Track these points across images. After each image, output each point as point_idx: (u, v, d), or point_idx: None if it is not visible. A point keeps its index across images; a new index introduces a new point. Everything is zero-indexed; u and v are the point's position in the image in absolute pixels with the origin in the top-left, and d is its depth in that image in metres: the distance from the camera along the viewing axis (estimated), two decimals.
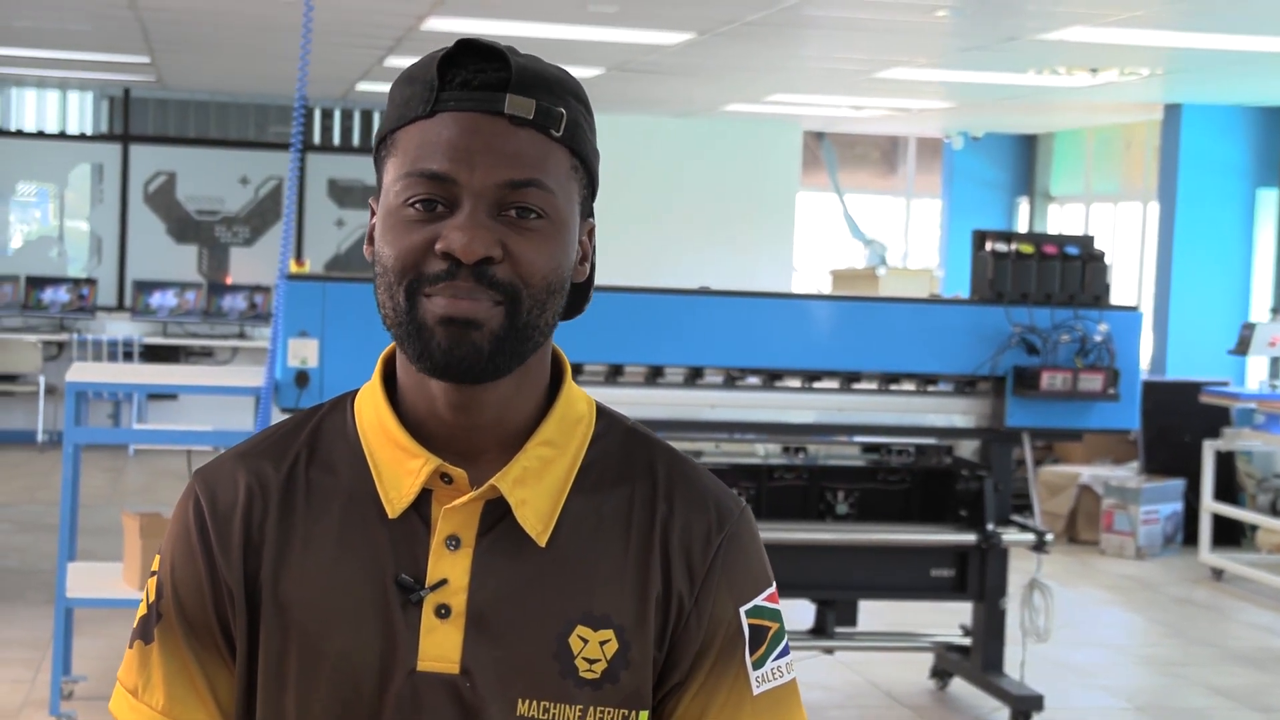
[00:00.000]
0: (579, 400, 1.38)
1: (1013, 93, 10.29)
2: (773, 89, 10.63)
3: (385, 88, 11.65)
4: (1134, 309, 6.12)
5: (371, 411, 1.35)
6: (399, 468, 1.31)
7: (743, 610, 1.34)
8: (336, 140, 12.68)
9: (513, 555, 1.29)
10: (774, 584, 1.38)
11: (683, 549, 1.33)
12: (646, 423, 5.52)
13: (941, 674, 6.27)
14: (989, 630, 5.90)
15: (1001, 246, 5.87)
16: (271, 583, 1.31)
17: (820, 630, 6.15)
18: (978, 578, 5.83)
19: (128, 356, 11.55)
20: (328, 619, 1.29)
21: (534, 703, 1.28)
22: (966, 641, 6.07)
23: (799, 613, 6.64)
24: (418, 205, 1.27)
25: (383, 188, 1.31)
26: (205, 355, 11.95)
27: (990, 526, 5.73)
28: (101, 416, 11.47)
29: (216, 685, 1.34)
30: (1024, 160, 13.64)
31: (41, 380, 11.61)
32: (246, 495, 1.34)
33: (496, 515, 1.30)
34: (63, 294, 11.84)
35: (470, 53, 1.28)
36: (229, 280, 12.19)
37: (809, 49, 8.70)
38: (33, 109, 12.33)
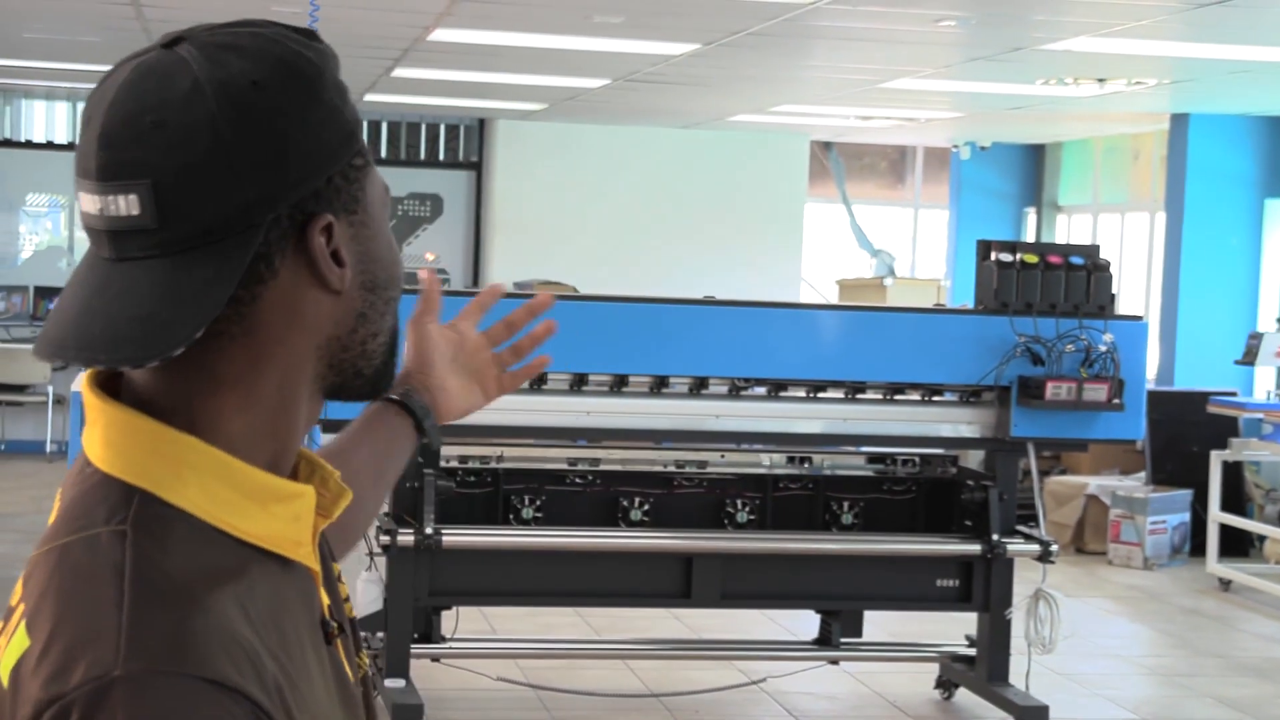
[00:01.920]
0: None
1: (1020, 103, 10.29)
2: (779, 99, 10.64)
3: (395, 98, 11.76)
4: (1139, 319, 6.13)
5: (208, 484, 1.08)
6: (280, 519, 1.12)
7: None
8: None
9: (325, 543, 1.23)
10: None
11: None
12: (651, 434, 5.50)
13: (946, 684, 6.26)
14: (994, 640, 5.89)
15: (1006, 256, 5.87)
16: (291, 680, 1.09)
17: (825, 640, 6.16)
18: (983, 588, 5.83)
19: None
20: (323, 693, 1.14)
21: (359, 666, 1.24)
22: (972, 652, 6.06)
23: (804, 623, 6.63)
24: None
25: (363, 197, 1.14)
26: None
27: (995, 537, 5.73)
28: None
29: None
30: (1031, 170, 13.64)
31: (50, 391, 11.64)
32: (248, 653, 1.05)
33: None
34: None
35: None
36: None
37: (815, 59, 8.71)
38: (42, 120, 12.37)
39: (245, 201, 1.06)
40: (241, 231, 1.06)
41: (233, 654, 1.02)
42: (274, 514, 1.11)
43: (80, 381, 1.12)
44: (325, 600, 1.19)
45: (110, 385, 1.12)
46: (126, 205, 1.07)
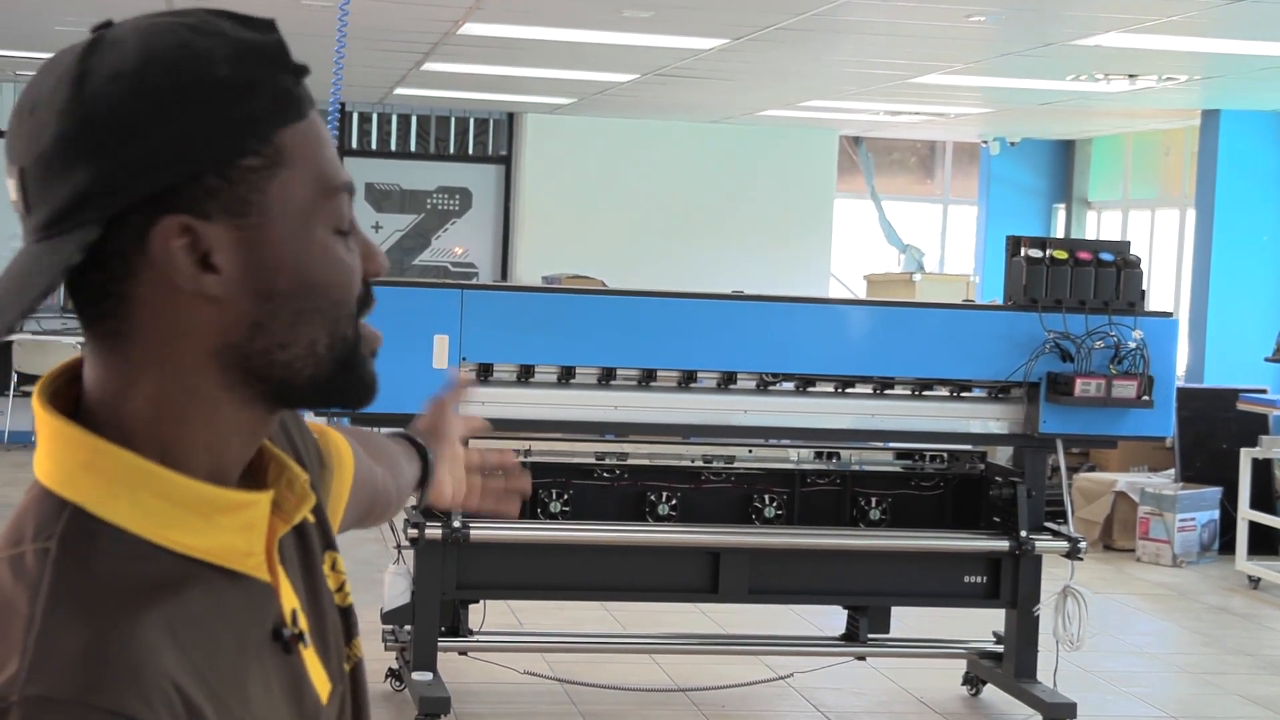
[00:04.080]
0: None
1: (1050, 98, 10.26)
2: (809, 94, 10.62)
3: (423, 92, 11.78)
4: (1169, 315, 6.10)
5: (140, 497, 1.06)
6: (227, 530, 1.09)
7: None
8: (374, 145, 12.73)
9: (293, 548, 1.20)
10: None
11: (304, 443, 1.30)
12: (679, 429, 5.50)
13: (974, 681, 6.25)
14: (1022, 637, 5.88)
15: (1036, 252, 5.85)
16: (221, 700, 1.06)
17: (853, 636, 6.15)
18: (1011, 584, 5.81)
19: None
20: (275, 699, 1.12)
21: (349, 656, 1.23)
22: (999, 648, 6.05)
23: (832, 619, 6.63)
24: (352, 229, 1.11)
25: (259, 200, 1.06)
26: None
27: (1024, 533, 5.71)
28: None
29: None
30: (1061, 166, 13.59)
31: None
32: (159, 677, 1.01)
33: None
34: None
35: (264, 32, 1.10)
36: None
37: (845, 54, 8.69)
38: None
39: (78, 193, 1.03)
40: (78, 224, 1.03)
41: (140, 683, 0.98)
42: (220, 525, 1.08)
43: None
44: (291, 604, 1.15)
45: (71, 398, 1.10)
46: (12, 190, 1.08)
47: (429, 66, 9.79)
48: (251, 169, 1.05)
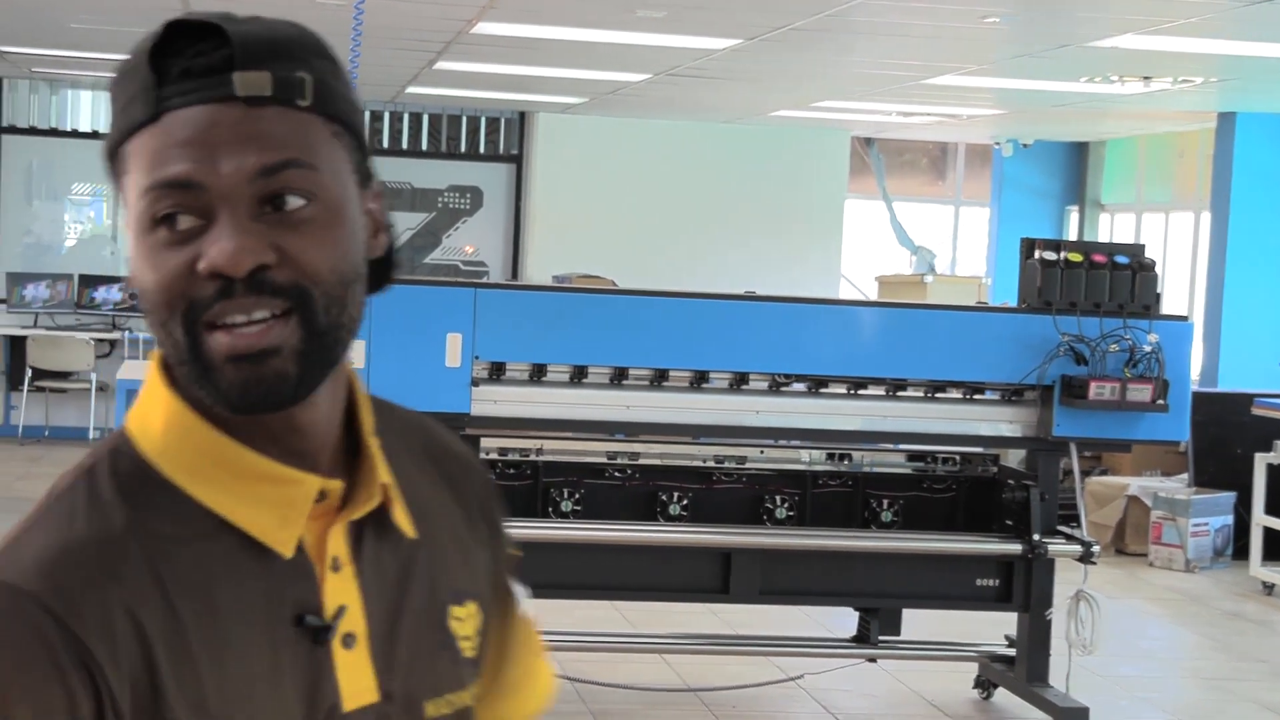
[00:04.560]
0: (357, 382, 1.25)
1: (1064, 100, 10.23)
2: (820, 95, 10.60)
3: (436, 91, 11.79)
4: (1184, 319, 6.09)
5: (186, 448, 1.13)
6: (268, 503, 1.13)
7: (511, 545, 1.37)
8: (385, 143, 12.72)
9: (386, 557, 1.20)
10: None
11: (481, 506, 1.31)
12: (690, 429, 5.49)
13: (985, 684, 6.23)
14: (1034, 641, 5.86)
15: (1050, 255, 5.83)
16: (170, 681, 1.08)
17: (864, 638, 6.13)
18: (1023, 588, 5.79)
19: None
20: (245, 694, 1.12)
21: (440, 700, 1.22)
22: (1011, 652, 6.03)
23: (843, 620, 6.61)
24: (166, 223, 1.08)
25: (129, 208, 1.12)
26: None
27: (1036, 537, 5.69)
28: None
29: None
30: (1074, 168, 13.56)
31: (93, 378, 11.72)
32: (98, 591, 1.06)
33: (357, 522, 1.19)
34: (114, 293, 11.95)
35: (183, 35, 1.09)
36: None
37: (857, 55, 8.67)
38: (88, 110, 12.44)
39: None
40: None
41: (86, 592, 1.06)
42: (256, 494, 1.13)
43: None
44: (342, 601, 1.16)
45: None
46: None
47: (441, 65, 9.78)
48: (117, 176, 1.13)
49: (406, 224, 12.70)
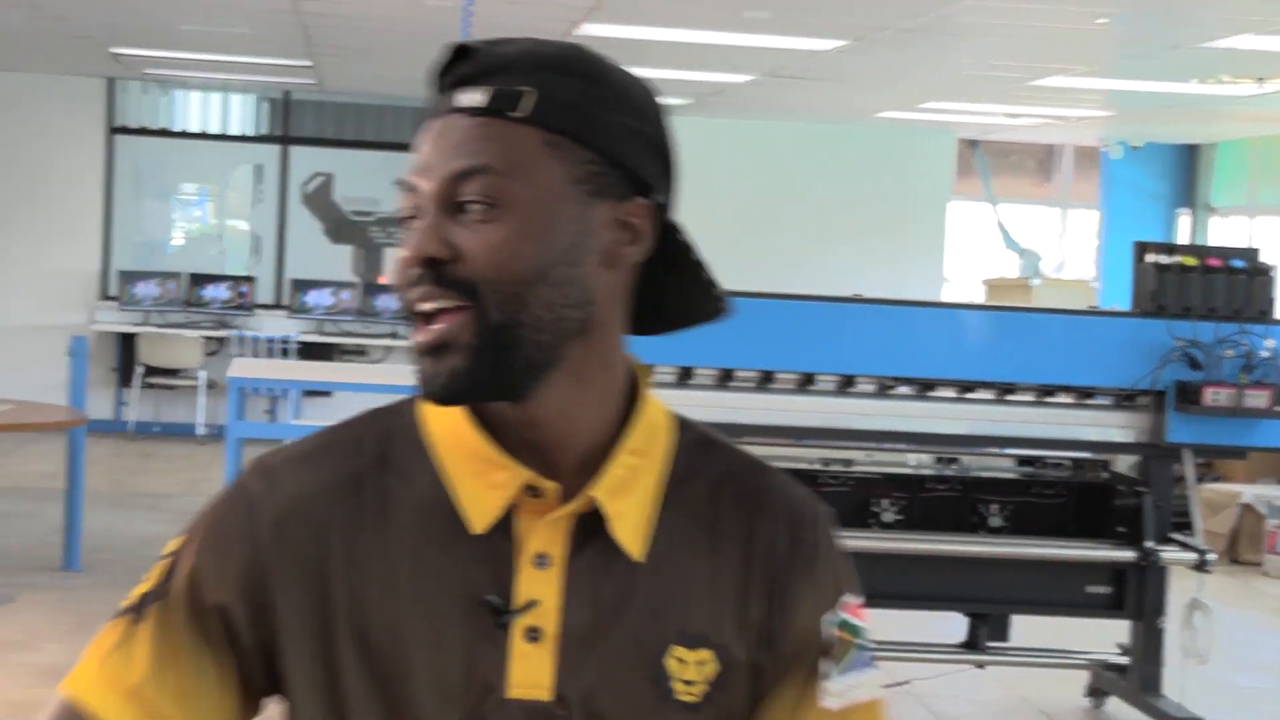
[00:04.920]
0: (658, 408, 1.31)
1: (1174, 101, 10.08)
2: (926, 96, 10.53)
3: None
4: None
5: (443, 419, 1.26)
6: (480, 480, 1.23)
7: (822, 621, 1.29)
8: None
9: (606, 572, 1.23)
10: (857, 594, 1.32)
11: (770, 561, 1.27)
12: (796, 431, 5.44)
13: (1097, 693, 6.15)
14: (1147, 650, 5.77)
15: (1164, 258, 5.75)
16: (342, 602, 1.22)
17: (973, 644, 6.07)
18: (1136, 596, 5.70)
19: (284, 353, 11.79)
20: (407, 642, 1.22)
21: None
22: (1124, 660, 5.94)
23: (950, 625, 6.55)
24: (404, 221, 1.23)
25: None
26: (358, 354, 12.14)
27: (1149, 544, 5.61)
28: (258, 411, 11.70)
29: (200, 688, 1.24)
30: (1185, 170, 13.35)
31: (202, 375, 11.89)
32: (311, 501, 1.25)
33: (587, 530, 1.23)
34: (223, 291, 12.12)
35: (455, 55, 1.23)
36: (383, 280, 12.37)
37: (965, 56, 8.60)
38: (196, 110, 12.63)
39: None
40: None
41: (288, 486, 1.25)
42: (474, 471, 1.23)
43: None
44: (535, 594, 1.21)
45: None
46: None
47: None
48: None
49: None
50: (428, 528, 1.23)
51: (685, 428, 1.32)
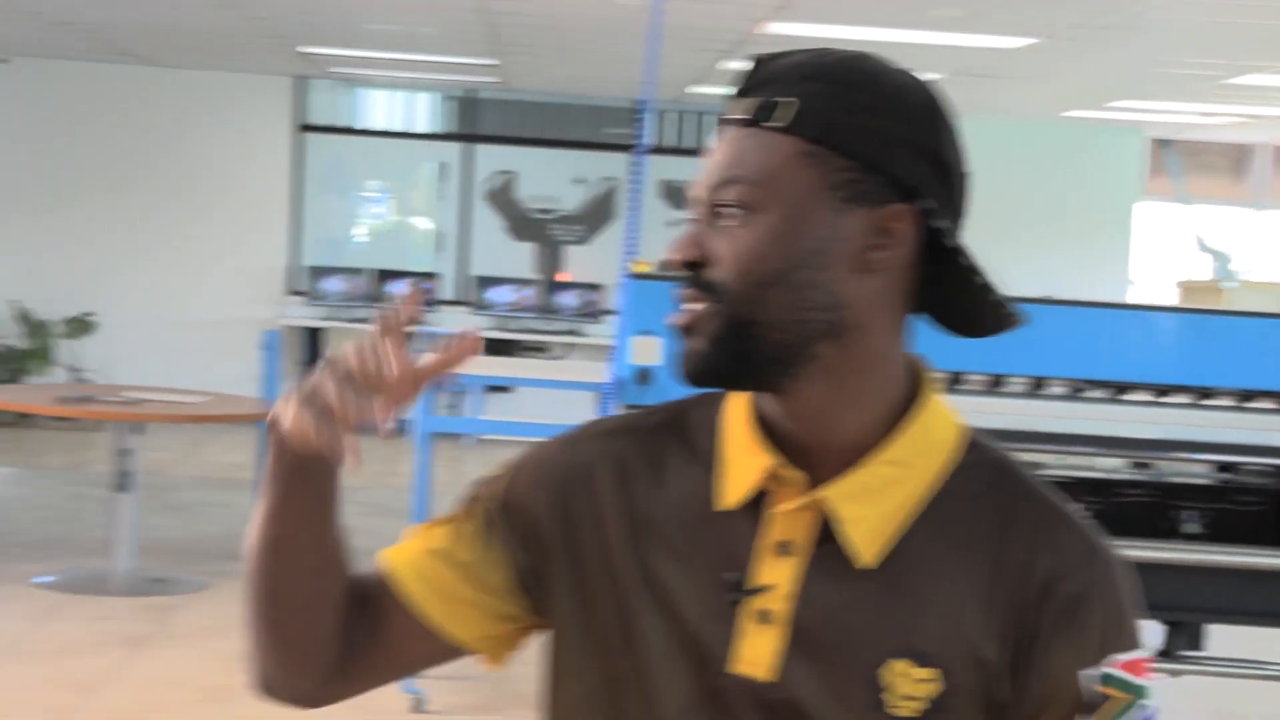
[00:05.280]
0: (944, 424, 1.31)
1: None
2: (1116, 95, 10.32)
3: (716, 91, 11.77)
4: None
5: (737, 410, 1.34)
6: (740, 463, 1.30)
7: (1085, 674, 1.26)
8: (668, 142, 12.82)
9: (843, 571, 1.26)
10: (1138, 649, 1.29)
11: (1032, 597, 1.26)
12: (987, 433, 5.39)
13: None
14: None
15: None
16: (619, 551, 1.32)
17: (1167, 653, 5.94)
18: None
19: None
20: (662, 600, 1.29)
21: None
22: None
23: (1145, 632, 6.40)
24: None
25: None
26: (539, 350, 12.26)
27: None
28: (440, 405, 11.87)
29: (495, 587, 1.36)
30: None
31: None
32: (615, 468, 1.35)
33: (830, 529, 1.28)
34: (407, 287, 12.30)
35: (748, 69, 1.31)
36: (564, 278, 12.47)
37: (1158, 54, 8.41)
38: (381, 108, 12.86)
39: None
40: None
41: (588, 444, 1.37)
42: (740, 454, 1.31)
43: None
44: (772, 579, 1.26)
45: None
46: None
47: (725, 65, 9.81)
48: None
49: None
50: (693, 503, 1.31)
51: (975, 448, 1.31)
